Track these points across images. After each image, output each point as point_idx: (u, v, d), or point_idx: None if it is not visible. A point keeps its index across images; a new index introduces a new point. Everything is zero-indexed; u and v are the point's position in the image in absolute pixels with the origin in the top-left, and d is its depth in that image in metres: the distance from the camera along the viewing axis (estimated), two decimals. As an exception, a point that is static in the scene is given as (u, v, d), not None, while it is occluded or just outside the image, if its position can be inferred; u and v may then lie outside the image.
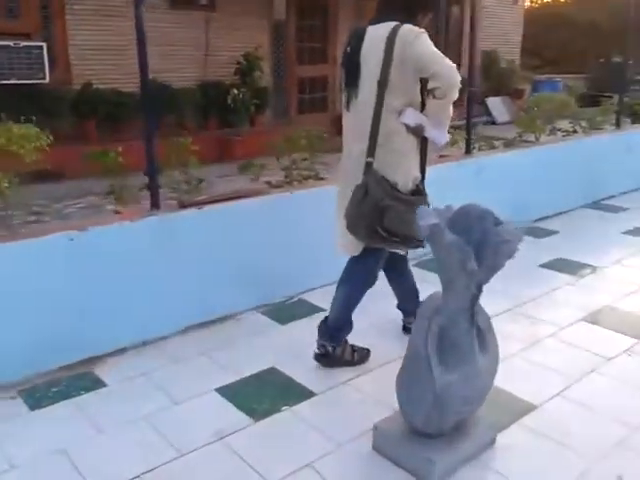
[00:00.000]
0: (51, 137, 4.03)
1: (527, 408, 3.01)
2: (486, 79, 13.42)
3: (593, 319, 3.96)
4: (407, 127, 3.04)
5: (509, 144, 6.20)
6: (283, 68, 11.20)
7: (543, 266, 4.92)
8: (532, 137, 6.47)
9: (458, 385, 2.47)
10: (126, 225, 3.39)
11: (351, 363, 3.34)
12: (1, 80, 7.61)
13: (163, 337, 3.65)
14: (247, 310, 4.00)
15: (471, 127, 5.59)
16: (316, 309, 4.06)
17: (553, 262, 4.99)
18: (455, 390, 2.45)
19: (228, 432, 2.79)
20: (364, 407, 2.98)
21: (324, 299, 4.03)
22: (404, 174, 3.08)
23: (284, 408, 2.98)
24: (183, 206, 3.61)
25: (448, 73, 2.91)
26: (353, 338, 3.37)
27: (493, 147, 6.17)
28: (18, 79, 7.73)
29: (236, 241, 3.84)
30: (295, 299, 4.23)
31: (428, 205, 3.05)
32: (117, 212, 3.71)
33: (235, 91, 9.65)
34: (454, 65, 2.94)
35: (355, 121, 3.12)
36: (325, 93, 11.70)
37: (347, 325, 3.34)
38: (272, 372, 3.31)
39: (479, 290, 2.46)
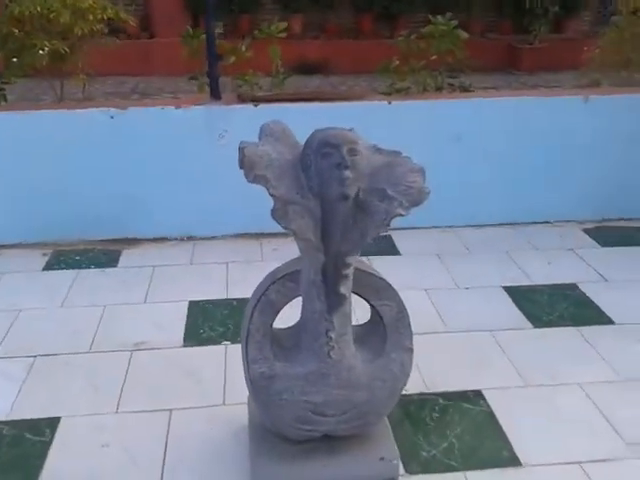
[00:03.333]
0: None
1: (504, 462, 2.03)
2: None
3: None
4: None
5: None
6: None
7: None
8: None
9: (292, 381, 1.74)
10: (167, 110, 3.25)
11: None
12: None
13: (211, 237, 3.52)
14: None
15: None
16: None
17: None
18: (285, 386, 1.74)
19: (149, 346, 2.58)
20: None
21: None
22: None
23: (225, 343, 2.62)
24: (242, 101, 3.26)
25: None
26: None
27: None
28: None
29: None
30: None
31: None
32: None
33: (533, -14, 8.21)
34: None
35: None
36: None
37: None
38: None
39: (339, 262, 1.63)
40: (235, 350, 2.58)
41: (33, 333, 2.67)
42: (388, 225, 1.58)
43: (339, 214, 1.57)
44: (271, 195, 1.54)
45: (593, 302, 2.94)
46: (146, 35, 9.36)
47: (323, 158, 1.53)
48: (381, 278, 1.83)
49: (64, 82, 3.96)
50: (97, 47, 3.78)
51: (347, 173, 1.50)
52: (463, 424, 2.19)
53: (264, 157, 1.56)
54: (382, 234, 3.78)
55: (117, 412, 2.23)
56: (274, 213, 1.56)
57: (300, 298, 1.80)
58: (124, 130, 3.27)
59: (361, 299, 1.85)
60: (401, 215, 1.57)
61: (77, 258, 3.31)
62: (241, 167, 1.59)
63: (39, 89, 5.96)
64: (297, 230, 1.56)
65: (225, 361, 2.50)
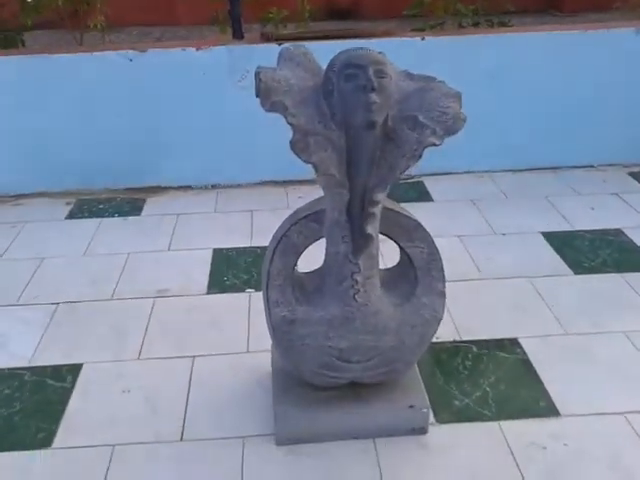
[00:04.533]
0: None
1: (541, 411, 1.92)
2: None
3: None
4: None
5: None
6: None
7: None
8: None
9: (315, 326, 1.65)
10: (188, 51, 3.10)
11: None
12: None
13: (236, 185, 3.41)
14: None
15: None
16: None
17: None
18: (307, 331, 1.65)
19: (172, 293, 2.52)
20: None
21: None
22: None
23: (249, 291, 2.54)
24: (266, 40, 3.09)
25: None
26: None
27: None
28: None
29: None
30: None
31: None
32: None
33: None
34: None
35: None
36: None
37: None
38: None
39: (365, 200, 1.50)
40: (259, 298, 2.46)
41: (56, 281, 2.63)
42: (420, 156, 1.44)
43: (365, 145, 1.44)
44: (289, 124, 1.41)
45: (639, 247, 2.77)
46: (171, -16, 9.12)
47: (347, 80, 1.38)
48: (412, 218, 1.70)
49: (86, 34, 3.85)
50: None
51: (373, 97, 1.36)
52: (498, 373, 2.07)
53: (282, 82, 1.43)
54: (413, 177, 3.59)
55: (139, 359, 2.18)
56: (293, 145, 1.43)
57: (324, 240, 1.69)
58: (144, 73, 3.14)
59: (389, 241, 1.74)
60: (434, 145, 1.43)
61: (100, 207, 3.24)
62: (257, 95, 1.46)
63: (63, 42, 5.85)
64: (319, 164, 1.43)
65: (249, 309, 2.42)
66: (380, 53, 1.50)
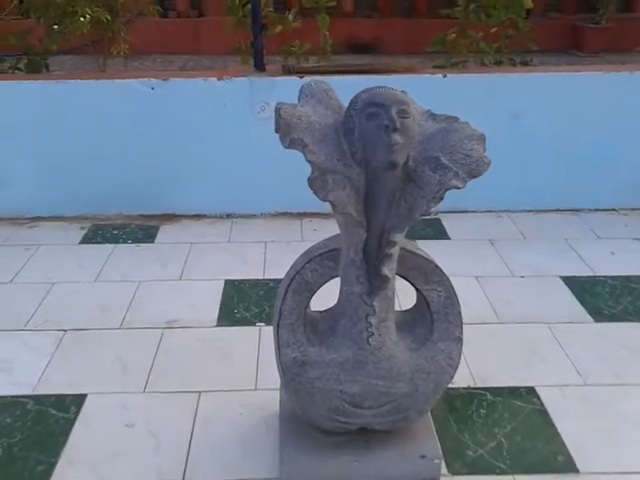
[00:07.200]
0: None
1: (559, 467, 1.83)
2: None
3: None
4: None
5: None
6: None
7: None
8: None
9: (326, 369, 1.59)
10: (210, 81, 3.12)
11: None
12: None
13: (251, 215, 3.40)
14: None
15: None
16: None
17: None
18: (318, 374, 1.59)
19: (181, 325, 2.47)
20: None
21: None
22: None
23: (259, 325, 2.49)
24: (288, 72, 3.09)
25: None
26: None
27: None
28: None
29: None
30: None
31: None
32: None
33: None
34: None
35: None
36: None
37: None
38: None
39: (382, 240, 1.46)
40: (269, 332, 2.43)
41: (65, 307, 2.60)
42: (441, 199, 1.40)
43: (385, 185, 1.40)
44: (308, 162, 1.38)
45: (662, 297, 2.69)
46: (195, 13, 9.32)
47: (368, 119, 1.35)
48: (430, 260, 1.65)
49: (109, 60, 3.89)
50: (144, 22, 3.69)
51: (396, 137, 1.32)
52: (514, 423, 1.99)
53: (302, 119, 1.40)
54: (431, 215, 3.55)
55: (144, 392, 2.13)
56: (311, 182, 1.40)
57: (338, 279, 1.65)
58: (165, 102, 3.16)
59: (406, 282, 1.69)
60: (457, 187, 1.39)
61: (114, 232, 3.23)
62: (277, 130, 1.43)
63: (86, 67, 5.94)
64: (336, 202, 1.39)
65: (259, 343, 2.37)
66: (403, 92, 1.47)
